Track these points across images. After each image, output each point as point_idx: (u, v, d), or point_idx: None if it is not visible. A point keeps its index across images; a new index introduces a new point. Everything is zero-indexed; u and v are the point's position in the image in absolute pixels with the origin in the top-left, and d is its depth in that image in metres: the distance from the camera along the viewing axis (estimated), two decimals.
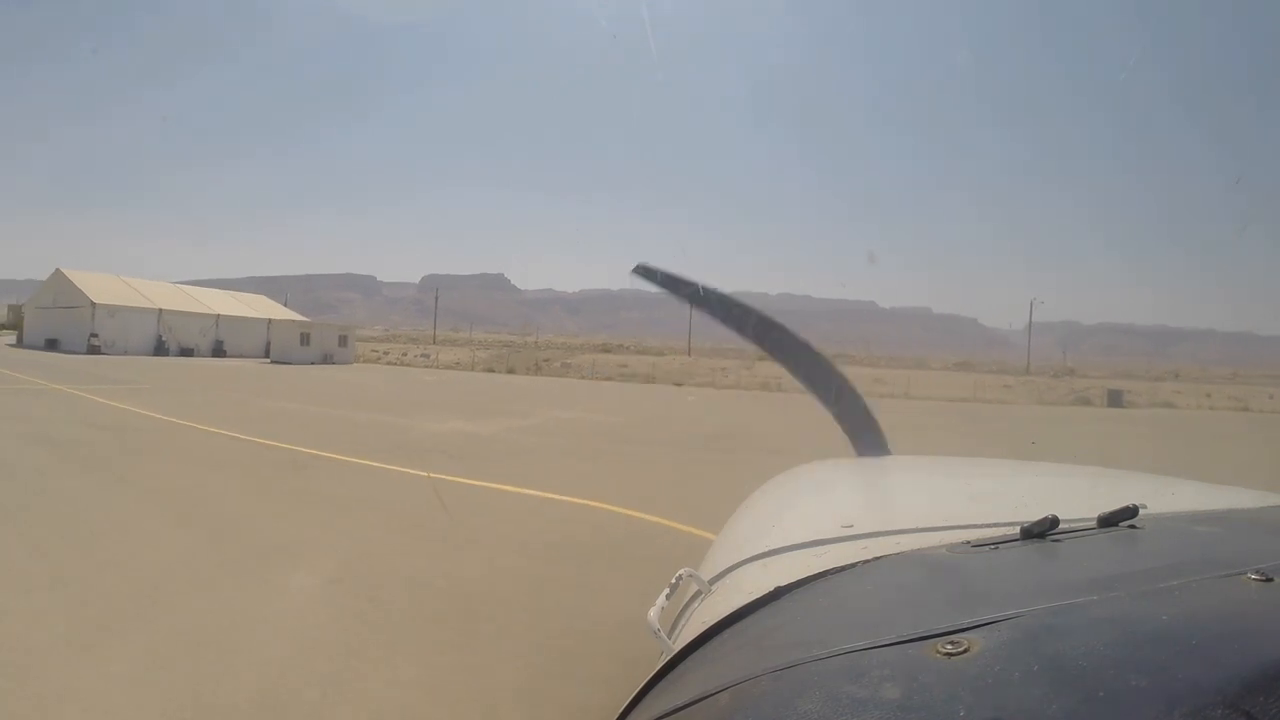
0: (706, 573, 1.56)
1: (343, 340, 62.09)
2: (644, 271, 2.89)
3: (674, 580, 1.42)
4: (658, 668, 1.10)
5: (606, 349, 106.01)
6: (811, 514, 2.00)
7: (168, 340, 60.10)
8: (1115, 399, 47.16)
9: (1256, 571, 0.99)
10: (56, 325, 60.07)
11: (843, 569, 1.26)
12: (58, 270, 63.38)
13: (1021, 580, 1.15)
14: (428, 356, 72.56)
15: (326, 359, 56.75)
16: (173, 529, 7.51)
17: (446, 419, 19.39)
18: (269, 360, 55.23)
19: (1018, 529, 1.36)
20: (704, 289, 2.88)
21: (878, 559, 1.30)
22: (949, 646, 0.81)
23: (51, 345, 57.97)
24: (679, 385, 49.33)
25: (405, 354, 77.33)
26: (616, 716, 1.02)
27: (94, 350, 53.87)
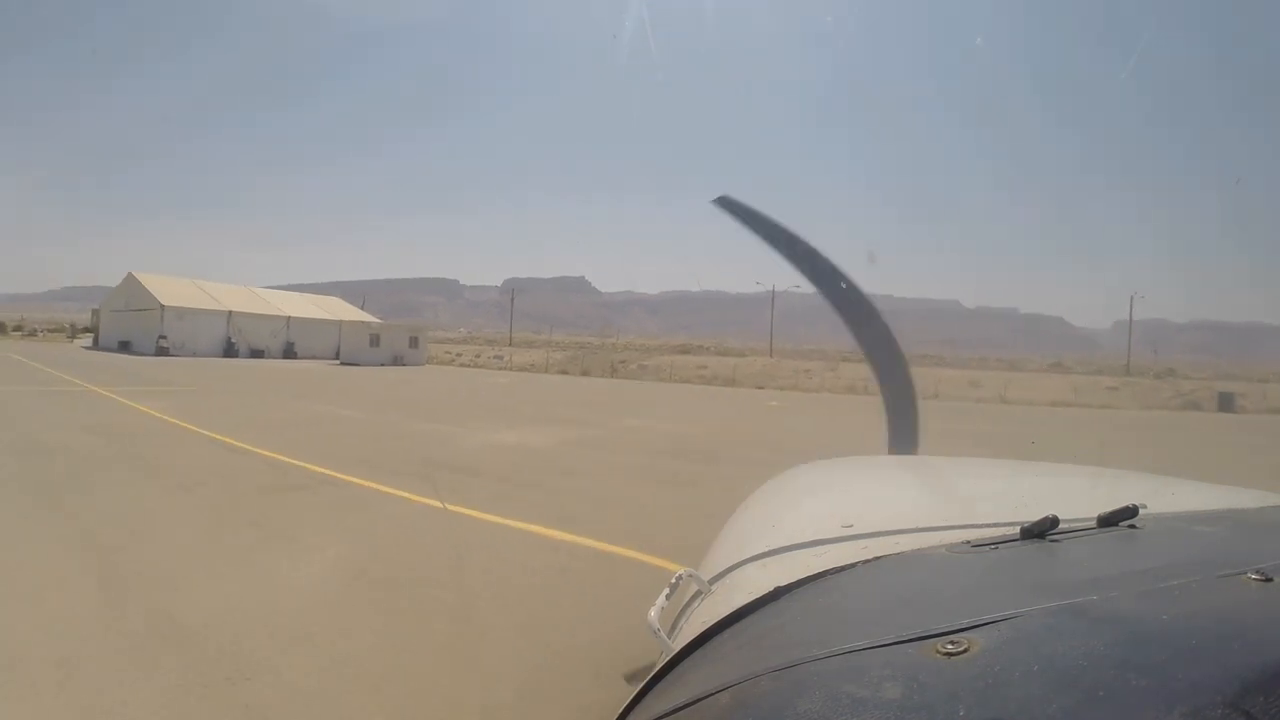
0: (706, 573, 1.55)
1: (414, 342, 60.60)
2: (727, 204, 2.88)
3: (674, 580, 1.42)
4: (658, 668, 1.10)
5: (685, 350, 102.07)
6: (811, 514, 1.98)
7: (237, 342, 59.89)
8: (1226, 403, 42.58)
9: (1256, 571, 1.00)
10: (128, 328, 60.36)
11: (843, 569, 1.26)
12: (130, 274, 63.66)
13: (1021, 580, 1.16)
14: (501, 358, 70.65)
15: (397, 360, 55.39)
16: (53, 593, 5.22)
17: (500, 427, 17.07)
18: (339, 362, 54.28)
19: (1018, 529, 1.36)
20: (787, 232, 2.86)
21: (878, 559, 1.30)
22: (949, 646, 0.81)
23: (124, 347, 58.27)
24: (760, 389, 45.68)
25: (479, 356, 75.47)
26: (616, 716, 1.02)
27: (162, 352, 53.63)
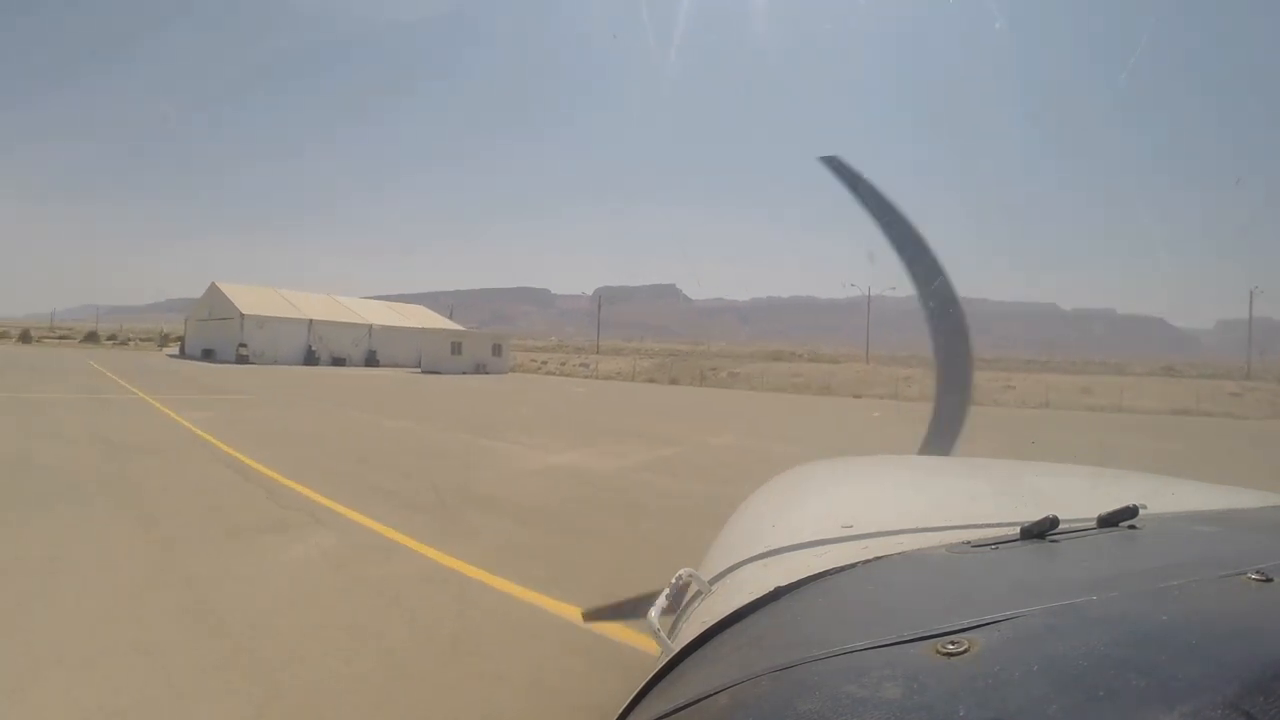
0: (706, 573, 1.54)
1: (497, 349, 59.02)
2: (835, 165, 2.91)
3: (674, 580, 1.43)
4: (658, 668, 1.09)
5: (778, 357, 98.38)
6: (811, 514, 1.96)
7: (318, 350, 59.89)
8: None
9: (1256, 571, 1.00)
10: (211, 336, 61.10)
11: (843, 569, 1.26)
12: (213, 284, 64.41)
13: (1021, 580, 1.16)
14: (587, 366, 68.82)
15: (479, 369, 54.08)
16: None
17: (566, 444, 14.80)
18: (420, 370, 52.87)
19: (1018, 529, 1.36)
20: (893, 209, 2.84)
21: (878, 559, 1.29)
22: (949, 646, 0.82)
23: (207, 355, 59.16)
24: (858, 397, 42.34)
25: (565, 363, 73.57)
26: (616, 716, 1.02)
27: (242, 360, 53.78)
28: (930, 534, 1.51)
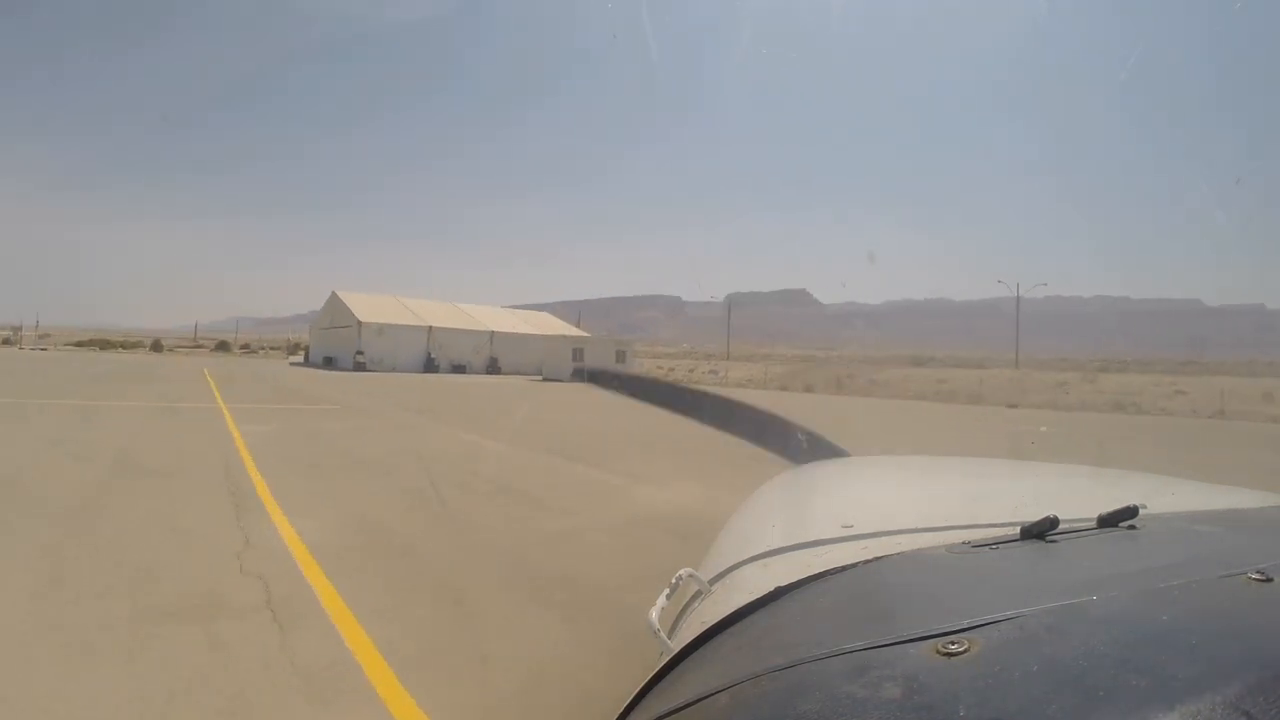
0: (706, 573, 1.52)
1: (620, 356, 56.00)
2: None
3: (674, 580, 1.41)
4: (658, 668, 1.09)
5: (917, 362, 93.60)
6: (811, 514, 1.93)
7: (438, 357, 59.06)
8: None
9: (1256, 571, 1.00)
10: (332, 344, 61.23)
11: (843, 569, 1.24)
12: (333, 293, 64.31)
13: (1021, 580, 1.16)
14: (717, 373, 65.32)
15: None
16: None
17: (679, 472, 11.50)
18: (540, 378, 50.50)
19: (1018, 529, 1.34)
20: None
21: (878, 559, 1.28)
22: (949, 646, 0.82)
23: (328, 363, 59.45)
24: (1013, 407, 36.69)
25: (693, 370, 70.40)
26: (616, 717, 1.02)
27: (359, 367, 53.80)
28: (930, 534, 1.50)
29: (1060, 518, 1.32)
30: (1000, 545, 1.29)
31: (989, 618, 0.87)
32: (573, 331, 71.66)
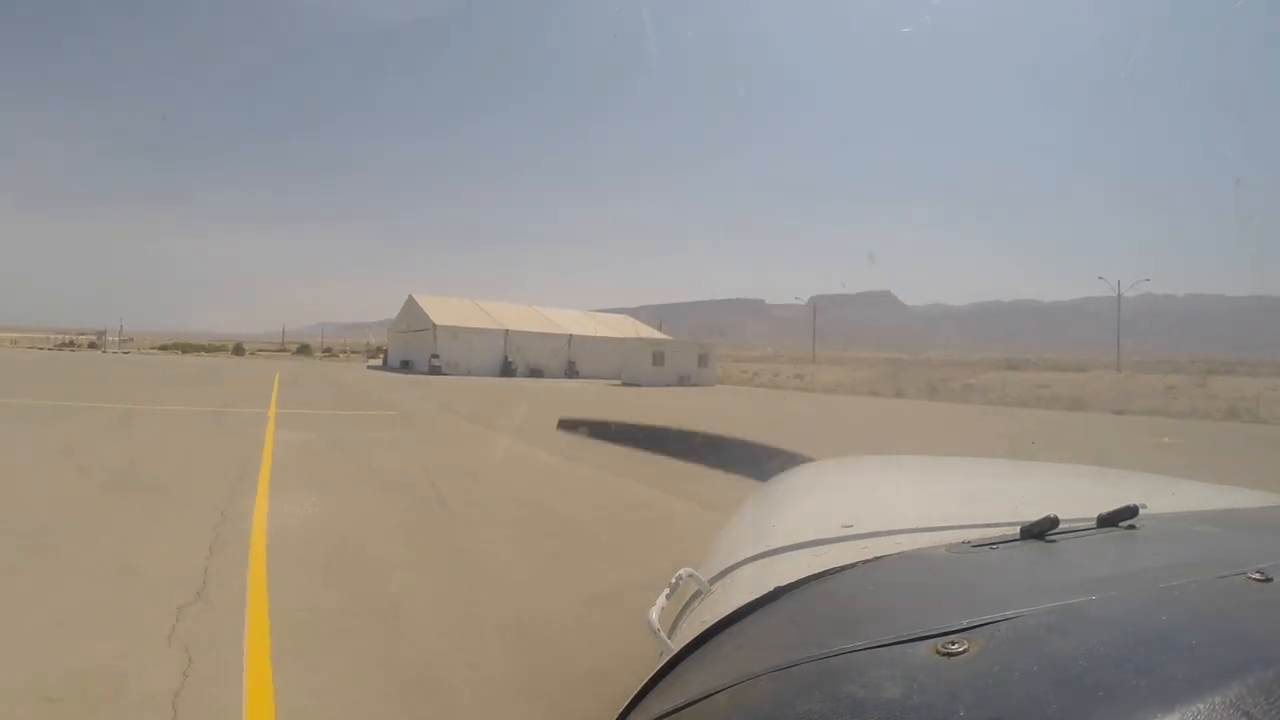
0: (706, 573, 1.53)
1: (702, 360, 53.30)
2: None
3: (674, 580, 1.42)
4: (658, 668, 1.09)
5: (1011, 365, 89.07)
6: (811, 514, 1.94)
7: (514, 360, 56.83)
8: None
9: (1256, 571, 1.00)
10: (409, 347, 60.32)
11: (843, 569, 1.24)
12: (410, 296, 63.12)
13: (1021, 580, 1.16)
14: (802, 378, 62.50)
15: (683, 381, 48.78)
16: None
17: None
18: (620, 382, 47.94)
19: (1018, 529, 1.35)
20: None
21: (878, 559, 1.28)
22: (949, 646, 0.82)
23: (405, 366, 58.62)
24: (1119, 414, 33.37)
25: (778, 375, 67.21)
26: (616, 716, 1.03)
27: (434, 370, 52.42)
28: (930, 534, 1.49)
29: (1060, 518, 1.32)
30: (1000, 545, 1.29)
31: (989, 618, 0.87)
32: (650, 334, 69.78)
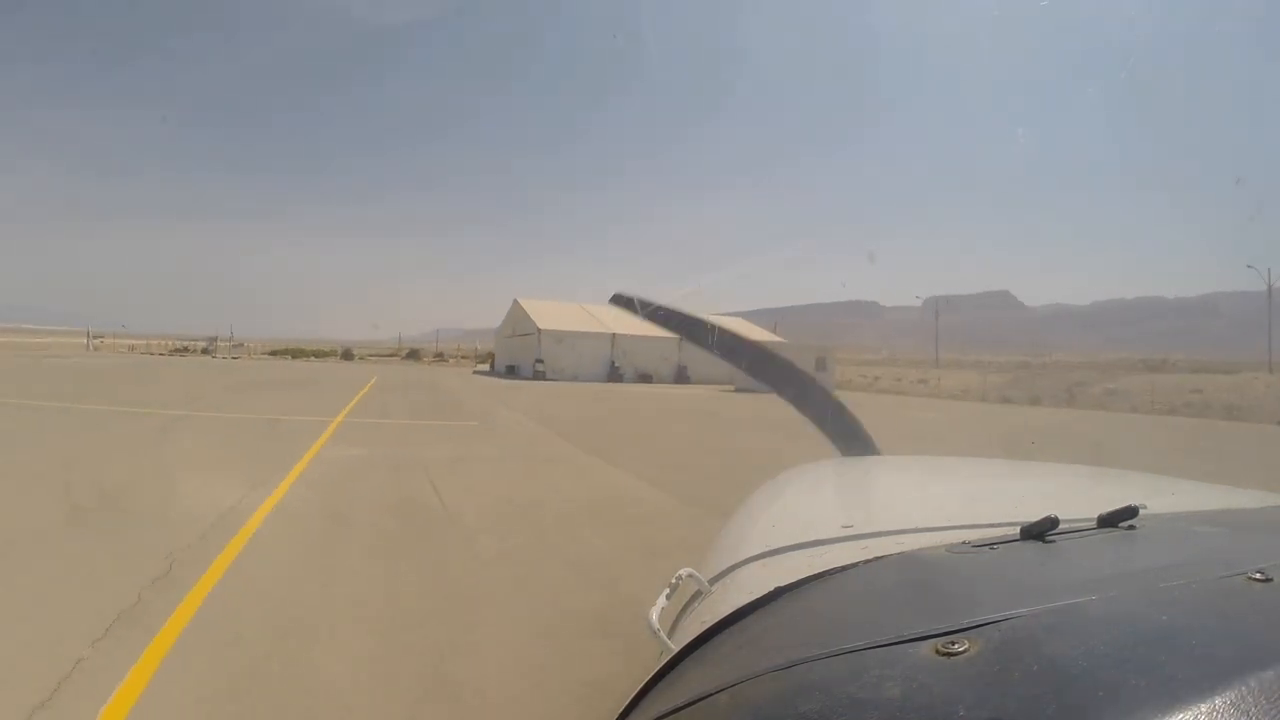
0: (706, 573, 1.51)
1: (820, 364, 47.90)
2: (620, 301, 2.94)
3: (674, 580, 1.41)
4: (658, 668, 1.08)
5: (1151, 366, 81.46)
6: (811, 514, 1.91)
7: (621, 365, 55.39)
8: None
9: (1257, 571, 0.99)
10: (514, 352, 60.22)
11: (843, 569, 1.23)
12: (515, 300, 62.62)
13: (1021, 580, 1.13)
14: (926, 383, 56.80)
15: None
16: None
17: None
18: (733, 388, 43.00)
19: (1017, 529, 1.33)
20: (677, 313, 2.89)
21: (878, 559, 1.27)
22: (949, 646, 0.81)
23: (510, 371, 58.18)
24: None
25: (900, 380, 60.84)
26: (616, 716, 1.02)
27: (539, 376, 51.43)
28: (930, 534, 1.47)
29: (1060, 518, 1.30)
30: (1000, 545, 1.27)
31: (989, 618, 0.86)
32: (765, 337, 66.15)
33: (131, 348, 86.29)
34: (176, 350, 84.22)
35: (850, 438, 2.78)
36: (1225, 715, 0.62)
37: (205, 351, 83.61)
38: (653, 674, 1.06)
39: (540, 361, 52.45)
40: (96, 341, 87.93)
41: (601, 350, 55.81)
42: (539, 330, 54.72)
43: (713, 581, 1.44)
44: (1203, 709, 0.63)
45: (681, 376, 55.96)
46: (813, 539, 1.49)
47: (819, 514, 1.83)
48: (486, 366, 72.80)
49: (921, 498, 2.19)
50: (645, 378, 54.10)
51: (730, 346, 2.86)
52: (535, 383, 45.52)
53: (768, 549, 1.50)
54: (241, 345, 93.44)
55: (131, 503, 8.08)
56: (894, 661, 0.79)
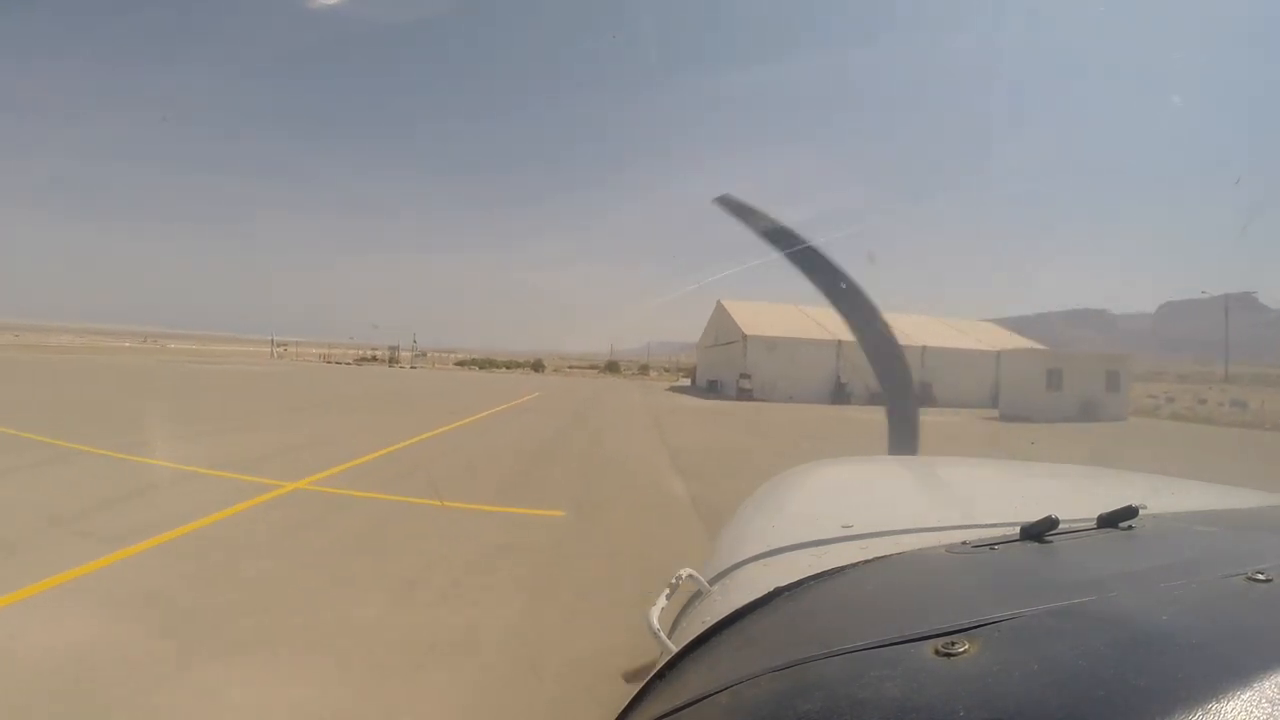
0: (706, 573, 1.51)
1: (1112, 380, 34.24)
2: (727, 203, 2.76)
3: (674, 580, 1.40)
4: (658, 668, 1.09)
5: None
6: (811, 514, 1.90)
7: (848, 381, 41.80)
8: None
9: (1257, 571, 0.98)
10: (717, 365, 49.78)
11: (843, 569, 1.22)
12: (719, 302, 51.72)
13: (1021, 580, 1.13)
14: (1244, 405, 38.17)
15: (1086, 412, 31.36)
16: None
17: None
18: (996, 415, 32.01)
19: (1017, 529, 1.33)
20: (786, 230, 2.68)
21: (878, 559, 1.26)
22: (949, 646, 0.81)
23: (712, 388, 48.18)
24: None
25: (1205, 402, 41.30)
26: (616, 716, 1.02)
27: (744, 394, 39.57)
28: (930, 534, 1.47)
29: (1060, 518, 1.29)
30: (1000, 545, 1.26)
31: (989, 618, 0.86)
32: (1020, 344, 48.89)
33: (324, 356, 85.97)
34: (361, 359, 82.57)
35: (904, 439, 2.77)
36: (1226, 715, 0.61)
37: (393, 360, 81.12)
38: (653, 674, 1.06)
39: (745, 377, 40.97)
40: (279, 350, 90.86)
41: (824, 361, 42.95)
42: (744, 336, 43.09)
43: (713, 582, 1.43)
44: (1203, 709, 0.62)
45: (925, 396, 38.44)
46: (813, 539, 1.48)
47: (819, 514, 1.81)
48: (688, 381, 63.69)
49: (921, 498, 2.20)
50: (879, 397, 41.38)
51: (857, 306, 2.67)
52: (738, 404, 34.60)
53: (768, 549, 1.49)
54: (424, 355, 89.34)
55: None
56: (894, 662, 0.79)
